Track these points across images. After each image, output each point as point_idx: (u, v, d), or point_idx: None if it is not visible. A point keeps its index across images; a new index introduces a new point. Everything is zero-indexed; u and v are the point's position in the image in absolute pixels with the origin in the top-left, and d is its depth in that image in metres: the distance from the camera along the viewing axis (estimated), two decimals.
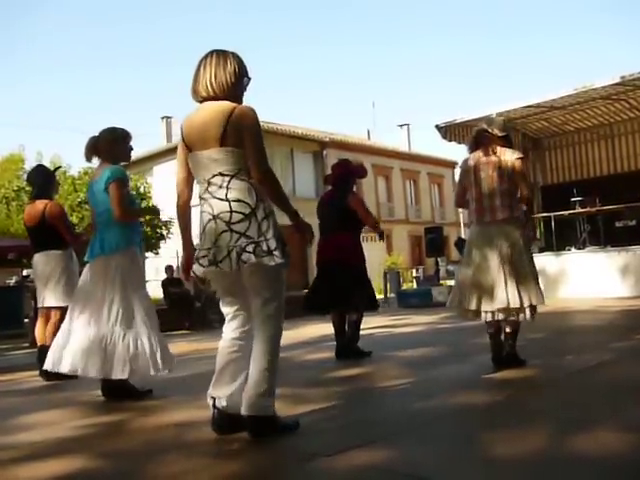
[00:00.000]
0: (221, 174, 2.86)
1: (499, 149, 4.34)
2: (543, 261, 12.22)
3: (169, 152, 28.65)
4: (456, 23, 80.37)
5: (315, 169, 26.46)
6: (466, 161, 4.51)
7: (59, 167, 6.10)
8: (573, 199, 12.73)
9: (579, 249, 12.55)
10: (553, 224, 12.89)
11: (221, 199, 2.85)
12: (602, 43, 79.15)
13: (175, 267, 14.58)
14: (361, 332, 5.60)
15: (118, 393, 4.14)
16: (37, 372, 5.37)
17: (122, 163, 4.28)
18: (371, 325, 7.90)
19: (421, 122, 78.24)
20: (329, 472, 2.43)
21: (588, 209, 12.62)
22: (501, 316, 4.22)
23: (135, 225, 4.30)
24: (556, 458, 2.38)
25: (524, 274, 4.21)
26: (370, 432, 2.90)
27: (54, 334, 5.03)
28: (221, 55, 2.97)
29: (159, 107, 72.09)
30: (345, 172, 5.69)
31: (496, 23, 78.31)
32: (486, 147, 4.38)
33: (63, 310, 5.02)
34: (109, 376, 4.03)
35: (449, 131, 14.33)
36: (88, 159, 4.24)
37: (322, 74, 74.31)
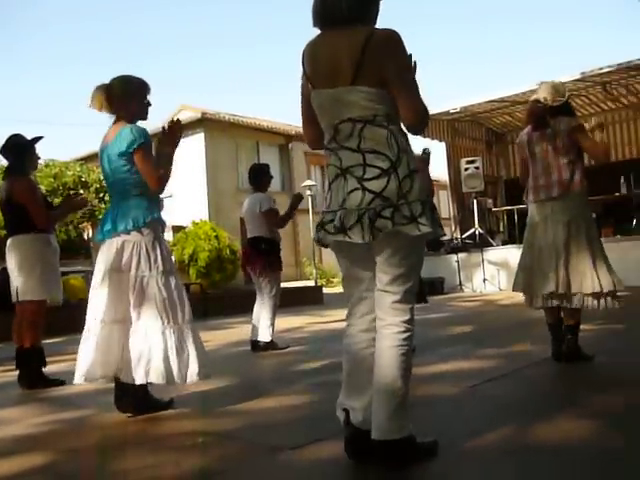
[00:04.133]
0: (351, 120, 2.26)
1: (553, 120, 4.06)
2: (505, 254, 12.40)
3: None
4: (416, 16, 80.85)
5: (281, 162, 26.33)
6: (520, 136, 4.28)
7: (40, 137, 4.93)
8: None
9: None
10: (516, 217, 13.07)
11: (352, 149, 2.26)
12: (566, 39, 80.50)
13: None
14: (332, 325, 5.59)
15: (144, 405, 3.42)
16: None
17: (138, 121, 3.54)
18: (339, 318, 7.91)
19: None
20: (294, 465, 2.43)
21: None
22: (555, 302, 3.99)
23: (156, 196, 3.55)
24: (519, 446, 2.42)
25: (584, 256, 3.95)
26: (337, 425, 2.90)
27: (32, 335, 4.61)
28: None
29: None
30: None
31: (458, 17, 79.01)
32: (538, 119, 4.13)
33: (39, 304, 4.63)
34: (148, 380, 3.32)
35: None
36: (97, 107, 3.45)
37: (289, 67, 74.09)
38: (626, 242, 11.24)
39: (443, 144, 15.39)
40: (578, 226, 3.98)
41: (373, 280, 2.36)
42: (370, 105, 2.23)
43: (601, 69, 11.72)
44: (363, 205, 2.21)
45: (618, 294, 4.05)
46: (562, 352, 4.03)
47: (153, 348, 3.29)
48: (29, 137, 4.82)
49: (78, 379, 3.36)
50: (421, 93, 2.27)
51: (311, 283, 18.63)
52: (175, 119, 3.65)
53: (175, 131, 3.59)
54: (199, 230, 18.93)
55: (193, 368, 3.35)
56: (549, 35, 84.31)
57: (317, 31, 2.38)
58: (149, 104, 3.60)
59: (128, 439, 2.97)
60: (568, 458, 2.25)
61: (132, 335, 3.34)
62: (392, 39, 2.22)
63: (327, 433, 2.72)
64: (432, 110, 14.34)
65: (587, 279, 3.93)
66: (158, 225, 3.50)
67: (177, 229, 21.37)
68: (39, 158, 5.10)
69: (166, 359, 3.28)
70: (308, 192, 21.02)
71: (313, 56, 2.35)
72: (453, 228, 15.18)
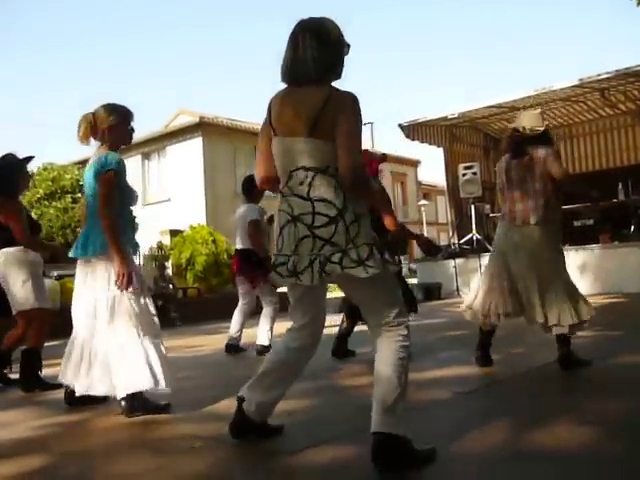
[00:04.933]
0: (305, 168, 2.45)
1: (531, 148, 4.13)
2: None
3: (131, 148, 28.26)
4: (420, 22, 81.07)
5: None
6: (500, 162, 4.37)
7: (31, 157, 5.09)
8: None
9: None
10: None
11: (302, 197, 2.46)
12: (564, 46, 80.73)
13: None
14: (327, 330, 5.58)
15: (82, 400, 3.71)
16: None
17: (122, 147, 3.80)
18: (334, 323, 7.90)
19: (385, 121, 78.67)
20: (292, 470, 2.43)
21: None
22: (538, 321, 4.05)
23: (127, 218, 3.73)
24: (517, 452, 2.42)
25: (558, 287, 4.00)
26: (334, 429, 2.91)
27: (37, 337, 4.79)
28: (320, 29, 2.52)
29: (121, 103, 71.00)
30: (378, 164, 5.21)
31: (460, 24, 79.24)
32: (516, 147, 4.22)
33: (41, 312, 4.77)
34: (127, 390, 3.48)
35: (412, 130, 14.44)
36: (84, 142, 3.69)
37: None
38: (624, 248, 11.26)
39: (441, 150, 15.42)
40: (549, 256, 4.05)
41: (314, 315, 2.70)
42: (323, 156, 2.43)
43: (599, 75, 11.75)
44: (314, 251, 2.42)
45: (585, 323, 4.07)
46: (557, 359, 4.05)
47: (131, 360, 3.46)
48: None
49: (79, 390, 3.64)
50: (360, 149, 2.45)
51: None
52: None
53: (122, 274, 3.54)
54: (196, 234, 18.91)
55: (166, 376, 3.54)
56: (547, 41, 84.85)
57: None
58: (132, 130, 3.82)
59: (125, 443, 2.97)
60: (565, 464, 2.26)
61: (110, 349, 3.52)
62: (348, 100, 2.44)
63: (325, 438, 2.73)
64: (430, 116, 14.35)
65: (565, 313, 3.95)
66: (129, 248, 3.67)
67: (174, 233, 21.35)
68: (31, 177, 5.15)
69: (143, 368, 3.46)
70: None
71: (278, 107, 2.57)
72: (451, 234, 15.19)
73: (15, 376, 4.86)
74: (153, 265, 17.89)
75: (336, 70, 2.57)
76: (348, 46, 2.59)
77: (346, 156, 2.39)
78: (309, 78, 2.49)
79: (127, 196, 3.73)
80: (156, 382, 3.45)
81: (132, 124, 3.81)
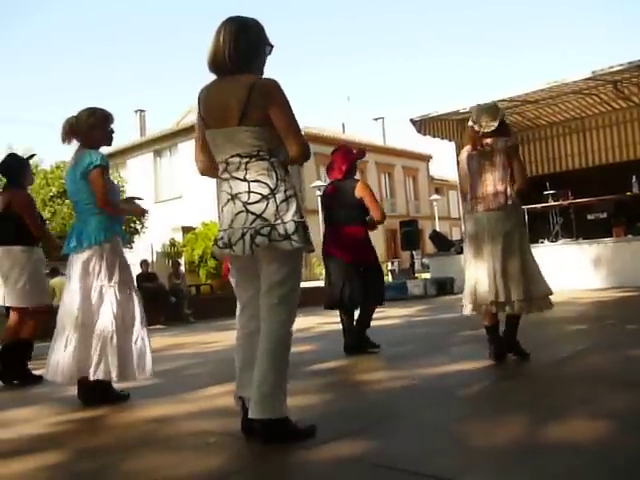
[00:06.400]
0: (239, 155, 2.68)
1: (490, 140, 4.30)
2: None
3: (143, 146, 28.43)
4: (431, 18, 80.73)
5: None
6: (461, 154, 4.51)
7: (33, 155, 5.74)
8: (546, 192, 12.89)
9: (552, 242, 12.71)
10: (527, 217, 13.02)
11: (240, 179, 2.68)
12: (577, 38, 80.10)
13: (150, 261, 14.47)
14: (340, 326, 5.60)
15: (97, 396, 3.82)
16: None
17: (102, 147, 3.99)
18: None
19: (396, 116, 78.43)
20: (308, 465, 2.43)
21: (560, 202, 12.79)
22: (506, 309, 4.19)
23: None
24: (531, 446, 2.41)
25: (522, 265, 4.17)
26: (350, 424, 2.91)
27: (11, 334, 4.98)
28: (240, 23, 2.76)
29: (133, 100, 71.42)
30: (355, 158, 5.46)
31: (470, 18, 78.81)
32: (475, 141, 4.36)
33: (22, 311, 4.96)
34: (106, 377, 3.75)
35: (423, 125, 14.40)
36: (65, 141, 3.89)
37: (297, 67, 74.17)
38: (638, 242, 11.18)
39: (453, 144, 15.36)
40: (513, 237, 4.22)
41: (257, 289, 2.75)
42: (254, 142, 2.67)
43: (612, 68, 11.65)
44: (246, 225, 2.65)
45: (550, 297, 4.34)
46: (502, 351, 4.23)
47: (110, 348, 3.70)
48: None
49: (51, 377, 3.85)
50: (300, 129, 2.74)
51: (321, 283, 18.62)
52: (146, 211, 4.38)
53: (139, 213, 4.43)
54: (209, 231, 18.98)
55: (148, 366, 3.84)
56: (560, 34, 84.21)
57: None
58: (112, 132, 4.04)
59: (141, 439, 2.99)
60: (581, 458, 2.24)
61: (92, 337, 3.73)
62: (271, 87, 2.67)
63: (341, 433, 2.73)
64: (441, 110, 14.31)
65: (520, 286, 4.14)
66: (118, 238, 3.94)
67: (187, 230, 21.43)
68: (34, 174, 5.74)
69: (122, 358, 3.72)
70: (318, 192, 21.03)
71: (206, 101, 2.78)
72: (463, 228, 15.15)
73: (39, 372, 4.91)
74: (166, 262, 17.97)
75: (254, 62, 2.77)
76: (271, 46, 2.82)
77: (292, 136, 2.68)
78: (226, 67, 2.71)
79: (111, 191, 3.93)
80: (120, 374, 3.72)
81: (112, 126, 4.01)
